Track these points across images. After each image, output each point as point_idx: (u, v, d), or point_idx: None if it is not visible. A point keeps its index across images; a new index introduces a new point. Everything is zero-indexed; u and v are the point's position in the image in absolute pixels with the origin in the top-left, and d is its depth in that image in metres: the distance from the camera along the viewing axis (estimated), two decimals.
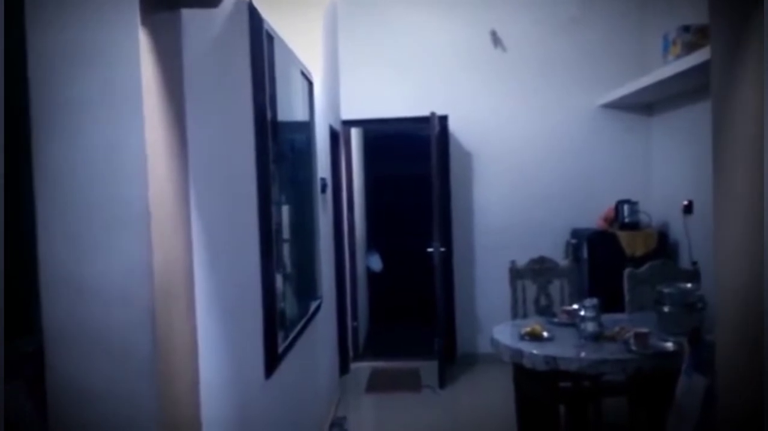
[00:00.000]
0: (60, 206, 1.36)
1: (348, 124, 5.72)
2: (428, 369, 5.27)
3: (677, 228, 4.82)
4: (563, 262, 4.35)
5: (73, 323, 1.37)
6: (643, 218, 5.08)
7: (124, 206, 1.37)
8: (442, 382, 4.99)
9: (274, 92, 2.69)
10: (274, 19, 2.76)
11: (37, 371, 1.38)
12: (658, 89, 4.56)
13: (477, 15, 5.53)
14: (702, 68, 3.44)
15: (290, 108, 3.13)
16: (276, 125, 2.72)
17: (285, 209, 2.94)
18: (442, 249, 5.09)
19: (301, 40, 3.55)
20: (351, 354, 5.66)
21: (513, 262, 4.16)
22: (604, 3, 5.46)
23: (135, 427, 1.38)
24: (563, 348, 3.05)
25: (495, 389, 4.64)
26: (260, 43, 2.50)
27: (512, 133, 5.55)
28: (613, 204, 5.15)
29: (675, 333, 3.04)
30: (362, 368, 5.59)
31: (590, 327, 3.16)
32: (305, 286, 3.42)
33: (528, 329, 3.25)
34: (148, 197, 1.37)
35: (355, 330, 5.84)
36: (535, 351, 3.02)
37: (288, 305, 2.89)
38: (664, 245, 4.85)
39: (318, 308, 3.73)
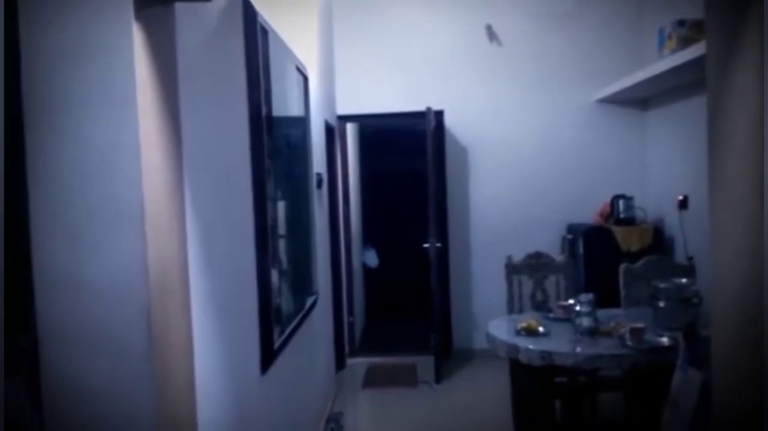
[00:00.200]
0: (54, 204, 1.35)
1: (343, 119, 5.71)
2: (424, 364, 5.28)
3: (672, 223, 4.84)
4: (559, 257, 4.36)
5: (68, 320, 1.36)
6: (638, 213, 5.09)
7: (119, 203, 1.36)
8: (439, 377, 5.00)
9: (269, 87, 2.67)
10: (268, 14, 2.75)
11: (34, 367, 1.37)
12: (654, 84, 4.57)
13: (472, 9, 5.52)
14: (697, 63, 3.45)
15: (285, 103, 3.12)
16: (271, 120, 2.71)
17: (280, 205, 2.93)
18: (438, 245, 5.09)
19: (296, 34, 3.54)
20: (347, 349, 5.67)
21: (509, 257, 4.17)
22: None
23: (131, 423, 1.38)
24: (559, 343, 3.05)
25: (491, 384, 4.65)
26: (255, 37, 2.49)
27: (508, 128, 5.55)
28: (608, 199, 5.16)
29: (670, 328, 3.05)
30: (358, 363, 5.59)
31: (586, 322, 3.17)
32: (301, 281, 3.42)
33: (524, 324, 3.25)
34: (143, 193, 1.37)
35: (351, 325, 5.85)
36: (530, 346, 3.02)
37: (284, 300, 2.89)
38: (659, 241, 4.87)
39: (314, 303, 3.73)
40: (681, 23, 3.89)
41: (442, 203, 5.55)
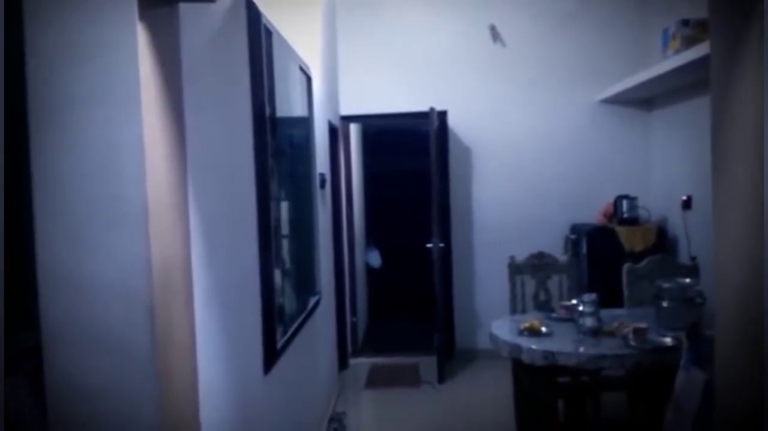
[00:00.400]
0: (57, 202, 1.36)
1: (347, 119, 5.71)
2: (427, 364, 5.28)
3: (676, 223, 4.83)
4: (562, 257, 4.35)
5: (71, 319, 1.36)
6: (642, 213, 5.08)
7: (122, 202, 1.36)
8: (441, 377, 4.99)
9: (272, 87, 2.68)
10: (272, 14, 2.75)
11: (37, 366, 1.38)
12: (658, 84, 4.56)
13: (476, 10, 5.52)
14: (701, 63, 3.44)
15: (289, 103, 3.12)
16: (275, 120, 2.71)
17: (284, 205, 2.94)
18: (441, 245, 5.09)
19: (299, 35, 3.54)
20: (350, 349, 5.67)
21: (512, 257, 4.16)
22: None
23: (134, 423, 1.38)
24: (562, 343, 3.05)
25: (494, 384, 4.65)
26: (258, 37, 2.50)
27: (511, 128, 5.55)
28: (612, 199, 5.16)
29: (674, 328, 3.04)
30: (361, 363, 5.59)
31: (589, 322, 3.16)
32: (304, 281, 3.42)
33: (527, 324, 3.25)
34: (146, 192, 1.37)
35: (354, 325, 5.85)
36: (533, 346, 3.02)
37: (287, 300, 2.89)
38: (663, 241, 4.86)
39: (317, 303, 3.73)
40: (685, 23, 3.88)
41: (445, 203, 5.54)
